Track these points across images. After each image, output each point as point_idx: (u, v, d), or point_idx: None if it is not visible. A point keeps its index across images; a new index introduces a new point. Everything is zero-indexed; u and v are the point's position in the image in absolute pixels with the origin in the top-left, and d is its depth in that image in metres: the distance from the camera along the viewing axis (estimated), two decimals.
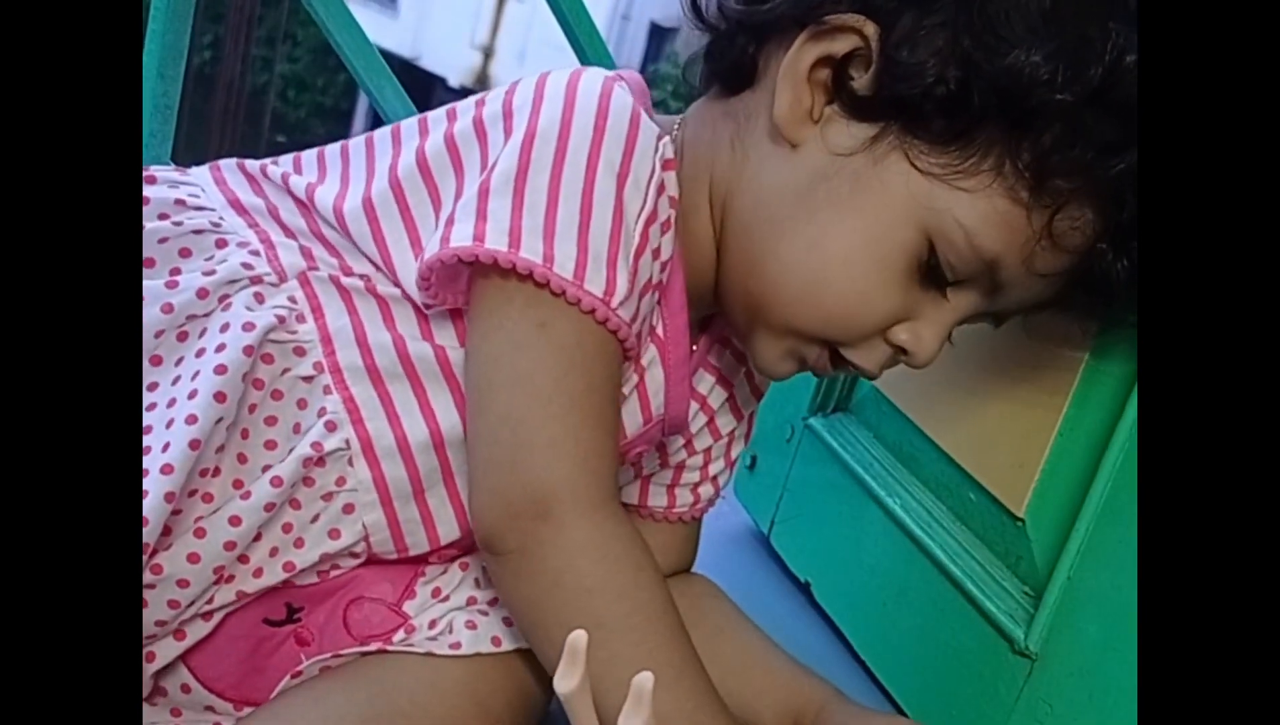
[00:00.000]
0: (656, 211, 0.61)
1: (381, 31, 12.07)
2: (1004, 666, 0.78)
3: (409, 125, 0.67)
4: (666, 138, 0.63)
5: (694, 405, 0.77)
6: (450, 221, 0.59)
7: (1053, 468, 0.78)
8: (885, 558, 0.91)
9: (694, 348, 0.74)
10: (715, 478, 0.81)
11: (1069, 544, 0.74)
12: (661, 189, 0.62)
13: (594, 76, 0.62)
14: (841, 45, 0.61)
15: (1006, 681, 0.78)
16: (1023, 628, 0.77)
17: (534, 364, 0.58)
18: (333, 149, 0.69)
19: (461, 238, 0.58)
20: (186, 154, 1.20)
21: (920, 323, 0.65)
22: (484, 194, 0.59)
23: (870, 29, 0.60)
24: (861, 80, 0.61)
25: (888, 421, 0.95)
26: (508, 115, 0.61)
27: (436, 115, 0.66)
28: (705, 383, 0.77)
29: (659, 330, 0.68)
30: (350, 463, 0.61)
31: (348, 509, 0.62)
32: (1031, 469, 0.79)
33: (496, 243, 0.57)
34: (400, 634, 0.63)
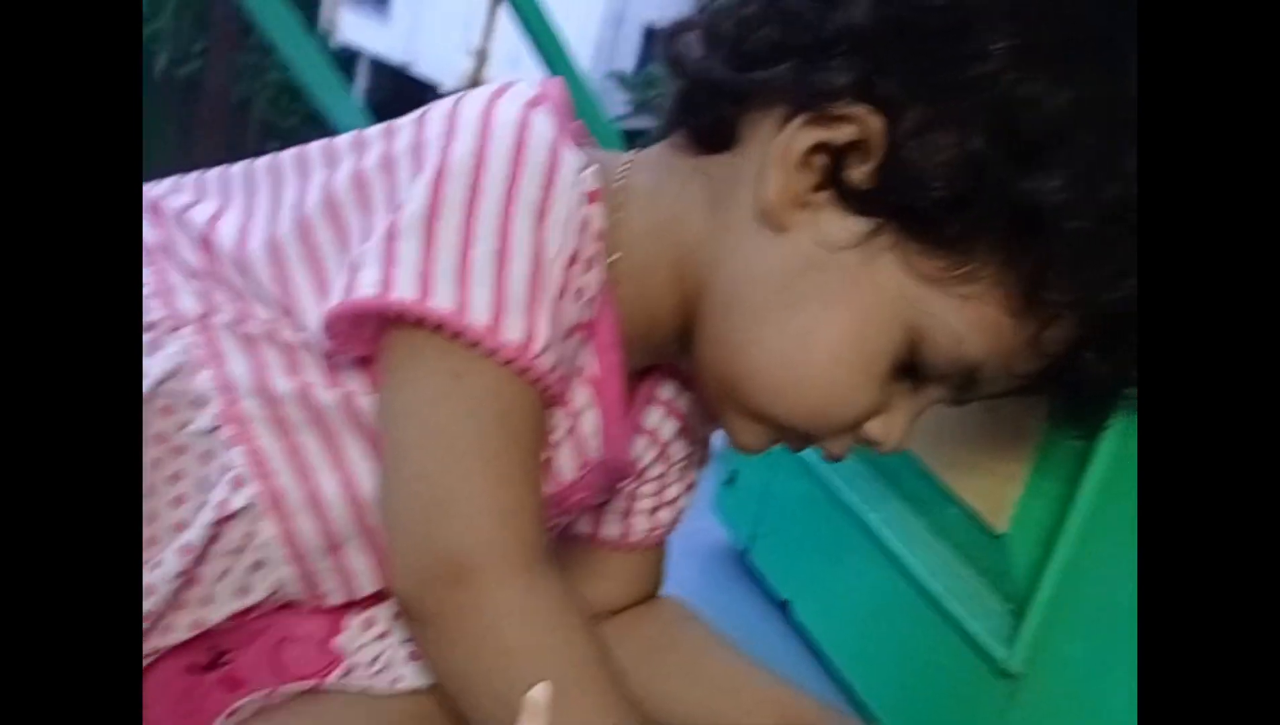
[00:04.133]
0: (579, 250, 0.58)
1: (374, 37, 12.07)
2: (986, 687, 0.75)
3: (317, 152, 0.62)
4: (592, 167, 0.59)
5: (643, 439, 0.73)
6: (355, 267, 0.56)
7: (1035, 481, 0.75)
8: (865, 575, 0.88)
9: (636, 385, 0.71)
10: (674, 501, 0.77)
11: (1052, 559, 0.71)
12: (585, 226, 0.58)
13: (510, 104, 0.58)
14: (842, 135, 0.56)
15: (989, 703, 0.75)
16: (1005, 647, 0.74)
17: (448, 419, 0.55)
18: (238, 170, 0.65)
19: (367, 286, 0.54)
20: (176, 160, 1.16)
21: (892, 416, 0.62)
22: (392, 236, 0.55)
23: (875, 124, 0.55)
24: (860, 173, 0.56)
25: None
26: (419, 148, 0.57)
27: (345, 143, 0.62)
28: (653, 416, 0.73)
29: (591, 370, 0.64)
30: (258, 519, 0.58)
31: (257, 566, 0.59)
32: (1014, 482, 0.76)
33: (405, 291, 0.54)
34: (338, 671, 0.61)
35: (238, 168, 0.64)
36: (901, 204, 0.56)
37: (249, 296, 0.59)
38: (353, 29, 11.95)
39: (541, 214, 0.56)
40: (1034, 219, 0.54)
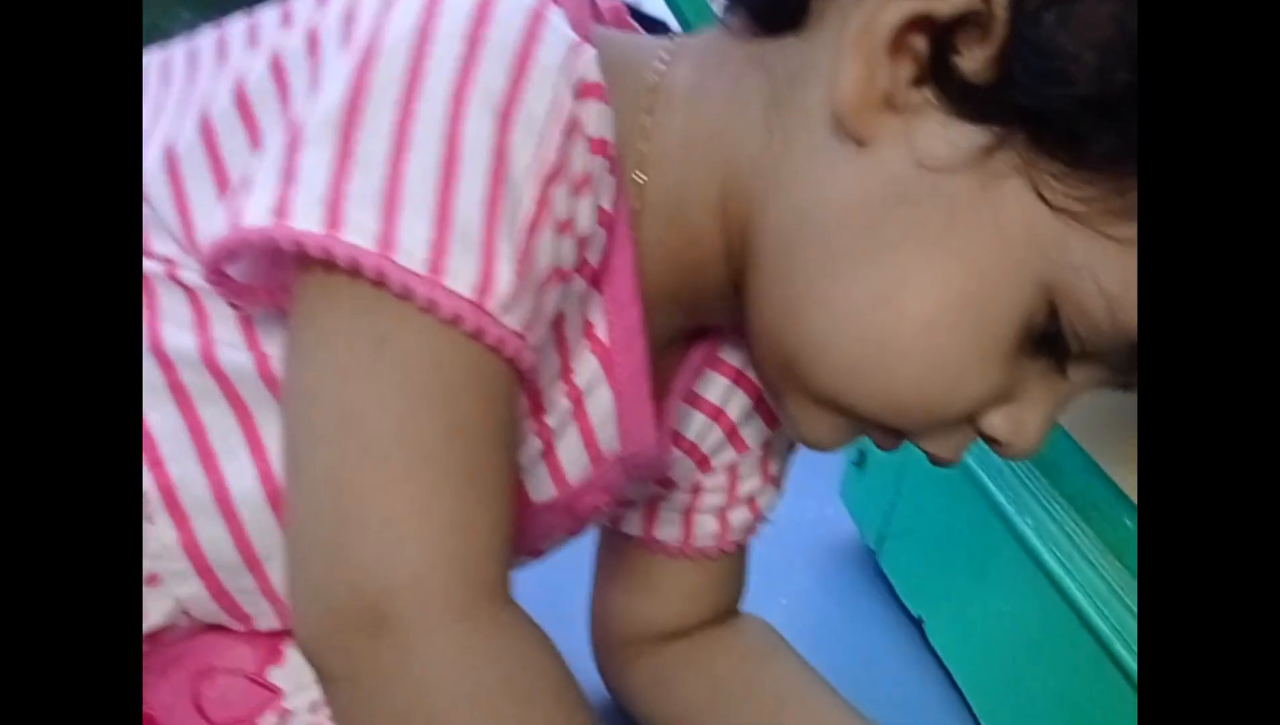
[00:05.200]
0: (564, 164, 0.41)
1: None
2: None
3: (238, 32, 0.47)
4: (589, 52, 0.42)
5: (700, 418, 0.57)
6: (244, 186, 0.40)
7: None
8: (1013, 596, 0.69)
9: (684, 350, 0.54)
10: (751, 499, 0.60)
11: None
12: (574, 129, 0.41)
13: None
14: (949, 4, 0.40)
15: None
16: None
17: (365, 401, 0.39)
18: (154, 62, 0.49)
19: (256, 212, 0.39)
20: None
21: (1024, 406, 0.45)
22: (294, 143, 0.39)
23: None
24: (976, 60, 0.40)
25: None
26: (349, 21, 0.41)
27: (271, 17, 0.46)
28: (715, 388, 0.56)
29: (599, 332, 0.48)
30: (150, 519, 0.44)
31: (151, 581, 0.45)
32: None
33: (306, 219, 0.38)
34: (271, 715, 0.47)
35: (154, 59, 0.49)
36: (1034, 105, 0.39)
37: (150, 226, 0.45)
38: None
39: (506, 111, 0.39)
40: None
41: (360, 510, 0.38)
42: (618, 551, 0.63)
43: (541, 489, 0.50)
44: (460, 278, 0.38)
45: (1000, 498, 0.71)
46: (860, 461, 0.87)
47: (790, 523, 0.87)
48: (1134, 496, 0.61)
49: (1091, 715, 0.62)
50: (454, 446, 0.39)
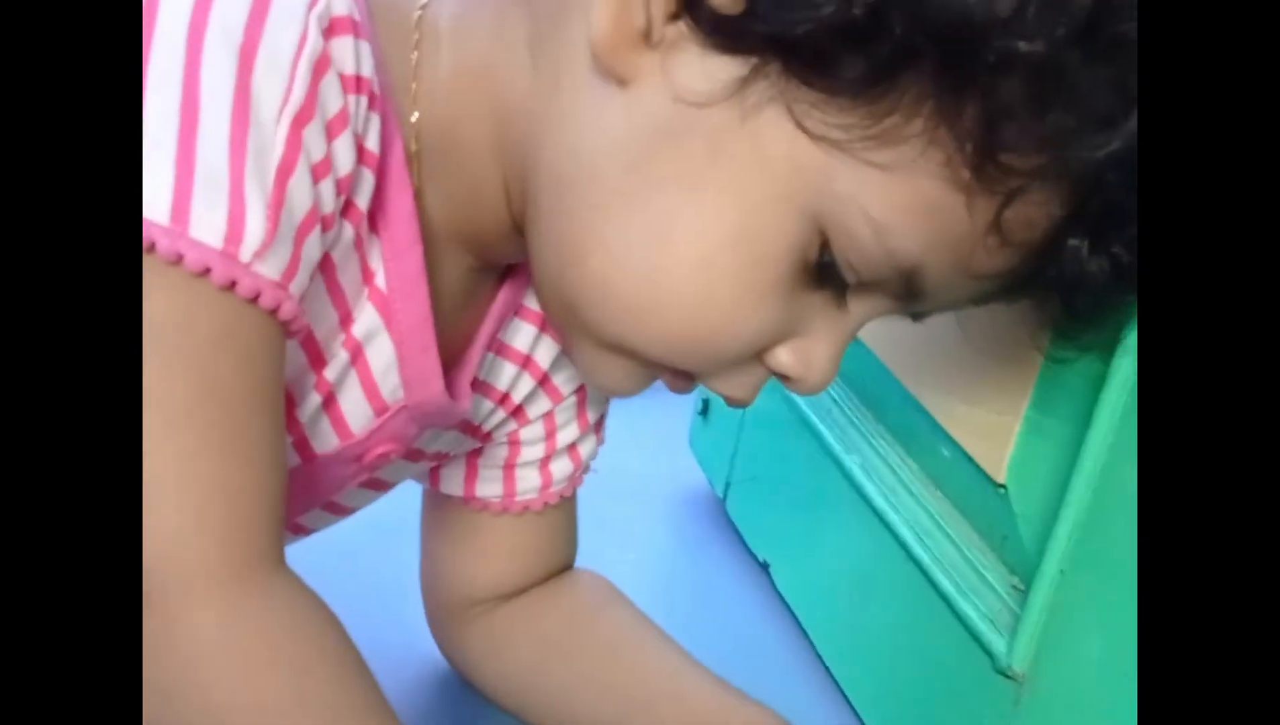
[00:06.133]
0: (314, 103, 0.39)
1: None
2: (986, 689, 0.57)
3: None
4: None
5: (510, 367, 0.56)
6: None
7: (1034, 417, 0.55)
8: (847, 534, 0.70)
9: (488, 294, 0.53)
10: (571, 448, 0.60)
11: (1057, 527, 0.52)
12: (323, 66, 0.40)
13: None
14: None
15: (992, 709, 0.57)
16: (1005, 638, 0.55)
17: None
18: None
19: None
20: None
21: (809, 340, 0.45)
22: None
23: None
24: None
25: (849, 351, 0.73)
26: None
27: None
28: (524, 335, 0.56)
29: (378, 281, 0.46)
30: None
31: None
32: (1010, 420, 0.57)
33: None
34: None
35: None
36: (780, 32, 0.38)
37: None
38: None
39: (248, 49, 0.38)
40: (970, 42, 0.36)
41: None
42: (442, 514, 0.62)
43: (325, 440, 0.49)
44: (207, 227, 0.37)
45: (829, 438, 0.71)
46: (704, 411, 0.86)
47: (643, 477, 0.88)
48: (950, 428, 0.62)
49: (921, 646, 0.63)
50: (209, 409, 0.38)
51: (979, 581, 0.59)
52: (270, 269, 0.38)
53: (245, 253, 0.37)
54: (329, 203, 0.41)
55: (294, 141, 0.39)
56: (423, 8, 0.47)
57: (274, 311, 0.39)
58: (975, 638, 0.57)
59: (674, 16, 0.41)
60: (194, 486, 0.37)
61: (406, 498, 0.62)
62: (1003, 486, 0.58)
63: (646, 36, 0.41)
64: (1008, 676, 0.55)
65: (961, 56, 0.37)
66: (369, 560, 0.69)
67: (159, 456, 0.36)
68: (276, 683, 0.38)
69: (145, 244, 0.36)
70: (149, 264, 0.36)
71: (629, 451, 0.73)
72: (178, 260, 0.36)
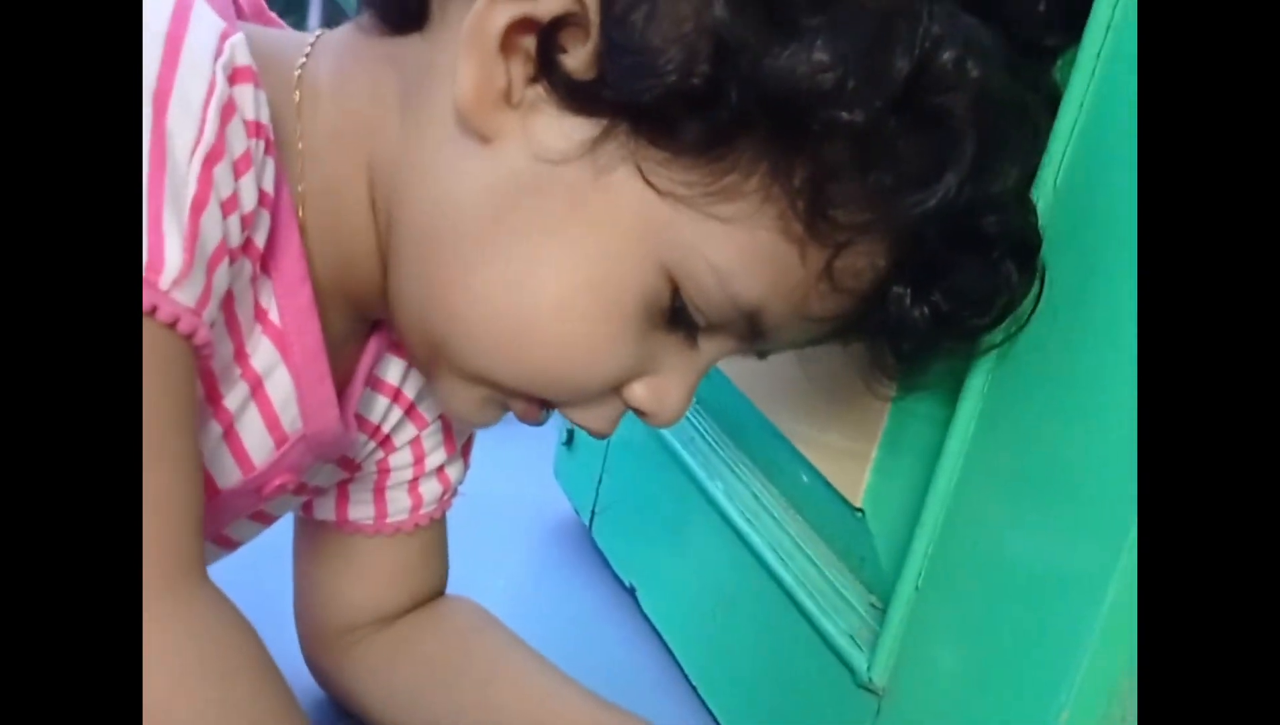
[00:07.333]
0: (223, 144, 0.41)
1: None
2: (849, 702, 0.60)
3: None
4: (237, 37, 0.43)
5: (382, 399, 0.58)
6: None
7: (888, 446, 0.59)
8: (710, 557, 0.72)
9: (367, 334, 0.55)
10: (440, 470, 0.62)
11: (914, 545, 0.56)
12: (230, 111, 0.42)
13: None
14: (547, 6, 0.42)
15: (854, 721, 0.60)
16: (865, 653, 0.59)
17: None
18: None
19: None
20: None
21: (663, 378, 0.49)
22: None
23: None
24: (578, 58, 0.43)
25: (709, 381, 0.75)
26: None
27: None
28: (395, 369, 0.58)
29: (272, 316, 0.48)
30: None
31: None
32: (866, 447, 0.60)
33: None
34: None
35: None
36: (629, 97, 0.42)
37: None
38: None
39: (162, 94, 0.40)
40: (798, 112, 0.40)
41: None
42: (315, 542, 0.64)
43: (227, 474, 0.50)
44: None
45: (693, 465, 0.74)
46: (569, 441, 0.88)
47: (507, 503, 0.89)
48: (809, 455, 0.65)
49: (785, 663, 0.66)
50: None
51: (839, 600, 0.62)
52: (187, 297, 0.40)
53: (165, 281, 0.39)
54: (235, 237, 0.43)
55: (205, 179, 0.40)
56: (301, 66, 0.49)
57: (190, 336, 0.41)
58: (837, 654, 0.60)
59: (533, 80, 0.44)
60: None
61: (276, 527, 0.63)
62: (860, 510, 0.61)
63: (508, 97, 0.44)
64: (869, 690, 0.58)
65: (790, 124, 0.41)
66: (241, 592, 0.68)
67: None
68: (205, 689, 0.40)
69: None
70: None
71: (496, 481, 0.74)
72: None
